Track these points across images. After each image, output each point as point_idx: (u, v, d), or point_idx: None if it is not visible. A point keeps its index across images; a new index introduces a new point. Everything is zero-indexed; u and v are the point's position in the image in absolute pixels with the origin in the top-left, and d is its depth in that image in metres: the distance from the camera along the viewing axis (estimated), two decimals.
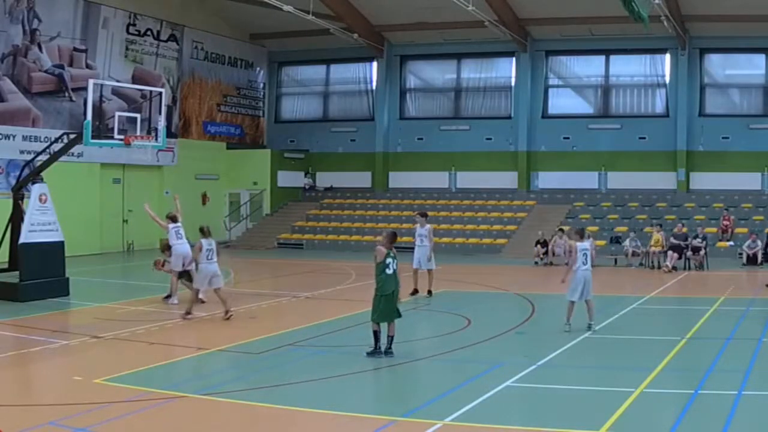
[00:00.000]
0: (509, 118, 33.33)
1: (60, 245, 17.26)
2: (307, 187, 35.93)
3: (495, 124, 33.39)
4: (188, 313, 14.41)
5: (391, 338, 11.34)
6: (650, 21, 24.38)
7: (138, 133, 18.00)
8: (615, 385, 9.62)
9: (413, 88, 35.60)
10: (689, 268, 23.04)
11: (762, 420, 8.25)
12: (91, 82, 17.36)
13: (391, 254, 11.39)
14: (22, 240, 16.74)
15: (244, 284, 20.58)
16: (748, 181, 29.65)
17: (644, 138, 31.28)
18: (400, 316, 11.49)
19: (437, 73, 35.58)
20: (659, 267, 23.15)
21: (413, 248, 17.56)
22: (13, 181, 19.90)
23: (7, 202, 18.60)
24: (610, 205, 30.38)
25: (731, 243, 25.45)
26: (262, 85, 36.76)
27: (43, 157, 17.87)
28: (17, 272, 16.82)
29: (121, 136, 17.37)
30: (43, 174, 17.35)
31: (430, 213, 31.53)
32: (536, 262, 25.08)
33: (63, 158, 18.38)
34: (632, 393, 9.07)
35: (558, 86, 33.66)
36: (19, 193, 17.83)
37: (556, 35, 31.97)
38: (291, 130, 36.85)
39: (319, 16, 29.62)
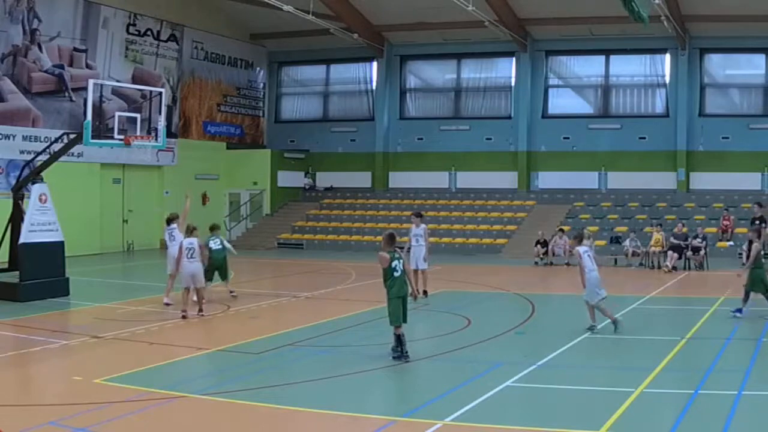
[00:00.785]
0: (509, 118, 33.34)
1: (60, 245, 17.26)
2: (307, 187, 35.93)
3: (495, 124, 33.39)
4: (200, 310, 14.70)
5: (399, 338, 11.30)
6: (650, 21, 24.38)
7: (138, 133, 17.99)
8: (615, 385, 9.62)
9: (413, 88, 35.61)
10: (689, 268, 23.03)
11: (762, 420, 8.25)
12: (91, 82, 17.35)
13: (396, 256, 11.32)
14: (22, 240, 16.74)
15: (244, 284, 20.58)
16: (748, 181, 29.64)
17: (644, 138, 31.28)
18: (405, 321, 11.40)
19: (437, 73, 35.59)
20: (659, 267, 23.14)
21: (409, 248, 17.42)
22: (13, 181, 19.89)
23: (7, 202, 18.59)
24: (610, 205, 30.38)
25: (731, 243, 25.45)
26: (262, 85, 36.76)
27: (43, 157, 17.87)
28: (17, 272, 16.82)
29: (121, 136, 17.36)
30: (43, 174, 17.35)
31: (430, 213, 31.74)
32: (536, 262, 25.08)
33: (63, 158, 18.38)
34: (632, 393, 9.07)
35: (558, 86, 33.67)
36: (19, 193, 17.83)
37: (556, 35, 31.97)
38: (291, 130, 36.86)
39: (319, 16, 29.63)
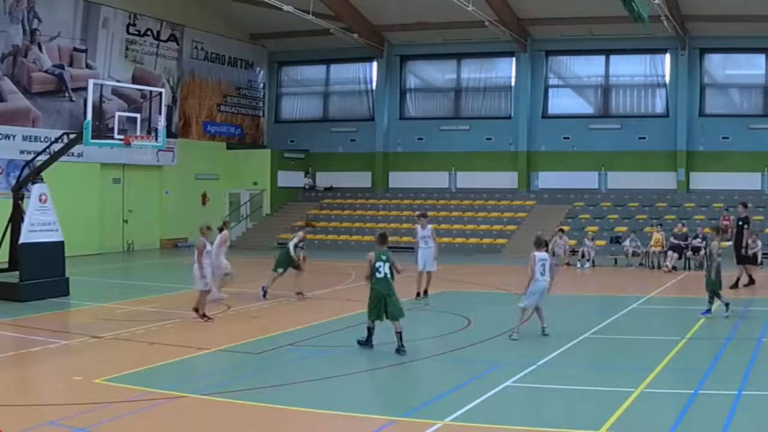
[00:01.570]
0: (509, 118, 33.34)
1: (60, 245, 17.25)
2: (307, 187, 35.93)
3: (495, 124, 33.39)
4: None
5: (399, 334, 11.54)
6: (650, 21, 24.37)
7: (138, 133, 17.99)
8: (615, 385, 9.62)
9: (413, 88, 35.61)
10: (689, 268, 23.03)
11: (762, 420, 8.25)
12: (91, 82, 17.35)
13: (383, 257, 11.67)
14: (22, 240, 16.74)
15: (244, 284, 20.57)
16: (748, 181, 29.65)
17: (644, 138, 31.28)
18: (403, 315, 11.73)
19: (437, 73, 35.59)
20: (659, 267, 23.14)
21: (411, 249, 17.42)
22: (13, 181, 19.88)
23: (7, 202, 18.59)
24: (610, 205, 30.38)
25: (731, 243, 25.39)
26: (262, 85, 36.76)
27: (43, 157, 17.86)
28: (17, 272, 16.81)
29: (121, 136, 17.36)
30: (43, 174, 17.35)
31: (430, 213, 31.64)
32: None
33: (63, 158, 18.36)
34: (632, 393, 9.07)
35: (558, 86, 33.67)
36: (19, 193, 17.82)
37: (556, 35, 31.97)
38: (291, 130, 36.85)
39: (319, 16, 29.63)
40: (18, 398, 9.30)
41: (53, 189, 17.49)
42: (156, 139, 18.27)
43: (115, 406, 8.72)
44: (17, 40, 25.59)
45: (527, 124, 32.64)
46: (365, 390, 10.00)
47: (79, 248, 24.18)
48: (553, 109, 33.22)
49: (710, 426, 8.01)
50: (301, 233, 17.70)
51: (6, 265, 17.55)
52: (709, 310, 14.32)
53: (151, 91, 19.72)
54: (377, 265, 11.64)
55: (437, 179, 33.99)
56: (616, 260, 24.65)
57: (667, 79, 31.45)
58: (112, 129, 17.52)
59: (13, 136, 25.32)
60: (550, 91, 33.42)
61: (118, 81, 26.77)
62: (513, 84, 33.47)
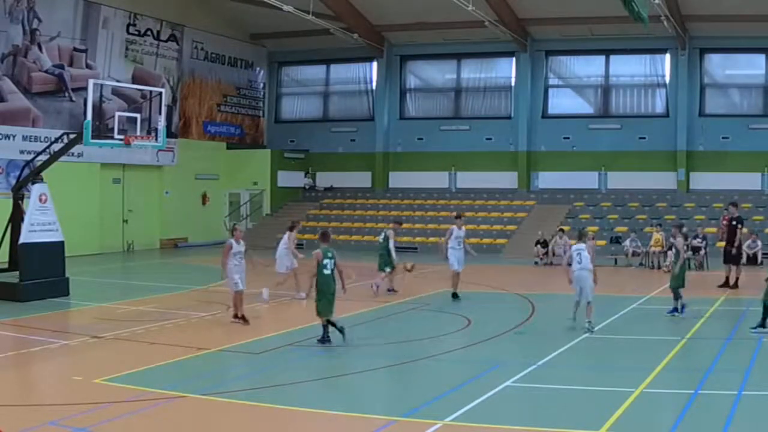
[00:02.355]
0: (509, 118, 33.33)
1: (60, 245, 17.25)
2: (307, 187, 35.93)
3: (495, 124, 33.39)
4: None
5: (326, 327, 12.09)
6: (650, 21, 24.36)
7: (138, 133, 17.99)
8: (615, 385, 9.62)
9: (413, 88, 35.61)
10: (689, 268, 22.99)
11: (762, 420, 8.25)
12: (91, 82, 17.34)
13: (329, 255, 12.08)
14: (22, 240, 16.74)
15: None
16: (748, 181, 29.64)
17: (644, 138, 31.28)
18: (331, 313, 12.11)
19: (437, 73, 35.58)
20: (659, 267, 23.14)
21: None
22: (13, 181, 19.88)
23: (7, 202, 18.59)
24: (610, 205, 30.38)
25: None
26: (262, 85, 36.75)
27: (43, 157, 17.86)
28: (17, 272, 16.81)
29: (121, 136, 17.36)
30: (43, 174, 17.34)
31: (429, 213, 31.80)
32: (536, 262, 25.09)
33: (63, 158, 18.36)
34: (632, 393, 9.07)
35: (558, 86, 33.67)
36: (19, 193, 17.82)
37: (556, 35, 31.97)
38: (291, 130, 36.85)
39: (319, 16, 29.62)
40: (18, 398, 9.31)
41: (53, 189, 17.49)
42: (156, 139, 18.27)
43: (115, 406, 8.72)
44: (17, 40, 25.59)
45: (527, 124, 32.63)
46: (365, 390, 9.99)
47: (79, 248, 24.17)
48: (553, 109, 33.22)
49: (710, 426, 8.01)
50: (391, 231, 18.29)
51: (6, 265, 17.55)
52: (675, 309, 14.40)
53: (151, 91, 19.72)
54: (324, 262, 11.99)
55: (437, 179, 33.98)
56: (616, 260, 24.64)
57: (667, 79, 31.44)
58: (112, 129, 17.51)
59: (13, 136, 25.32)
60: (550, 91, 33.42)
61: (118, 81, 26.77)
62: (513, 84, 33.47)
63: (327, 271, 12.04)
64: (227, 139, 34.91)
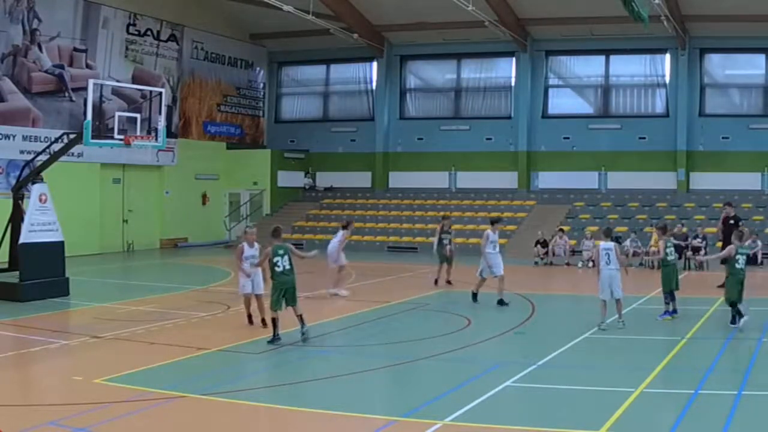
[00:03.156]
0: (509, 118, 33.33)
1: (60, 245, 17.25)
2: (307, 187, 35.93)
3: (495, 124, 33.38)
4: None
5: (300, 317, 12.28)
6: (650, 21, 24.36)
7: (138, 133, 17.99)
8: (615, 385, 9.62)
9: (413, 88, 35.60)
10: (689, 268, 23.03)
11: (762, 420, 8.25)
12: (91, 82, 17.33)
13: (280, 252, 12.11)
14: (22, 240, 16.74)
15: None
16: (748, 181, 29.63)
17: (644, 138, 31.28)
18: (296, 303, 12.26)
19: (437, 73, 35.58)
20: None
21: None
22: (13, 181, 19.88)
23: (7, 202, 18.59)
24: (610, 205, 30.37)
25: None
26: (262, 85, 36.75)
27: (43, 157, 17.86)
28: (17, 272, 16.81)
29: (121, 136, 17.36)
30: (43, 174, 17.35)
31: (429, 213, 31.78)
32: (536, 262, 25.08)
33: (63, 158, 18.37)
34: (632, 393, 9.07)
35: (558, 86, 33.66)
36: (19, 193, 17.82)
37: (556, 35, 31.97)
38: (291, 130, 36.85)
39: (319, 16, 29.62)
40: (18, 398, 9.31)
41: (53, 189, 17.49)
42: (156, 139, 18.27)
43: (115, 406, 8.72)
44: (17, 40, 25.59)
45: (527, 124, 32.63)
46: (365, 390, 9.99)
47: (79, 248, 24.18)
48: (553, 109, 33.21)
49: (710, 426, 8.01)
50: (438, 228, 20.13)
51: (6, 265, 17.55)
52: (667, 312, 14.26)
53: (151, 91, 19.73)
54: (275, 260, 12.03)
55: (437, 179, 33.98)
56: None
57: (667, 79, 31.44)
58: (112, 129, 17.51)
59: (13, 136, 25.32)
60: (550, 91, 33.41)
61: (118, 81, 26.76)
62: (513, 84, 33.46)
63: (279, 269, 12.04)
64: (227, 139, 34.91)
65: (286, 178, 35.18)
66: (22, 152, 24.86)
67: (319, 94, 37.18)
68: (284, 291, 12.02)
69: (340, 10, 31.46)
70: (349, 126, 35.72)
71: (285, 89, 37.83)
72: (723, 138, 30.25)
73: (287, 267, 12.10)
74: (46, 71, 26.50)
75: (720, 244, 20.36)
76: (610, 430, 7.82)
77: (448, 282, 19.76)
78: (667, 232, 15.39)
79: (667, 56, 31.33)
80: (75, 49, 27.47)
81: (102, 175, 28.56)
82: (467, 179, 33.57)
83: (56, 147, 17.87)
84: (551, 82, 33.45)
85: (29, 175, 17.64)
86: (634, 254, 24.21)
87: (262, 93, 36.76)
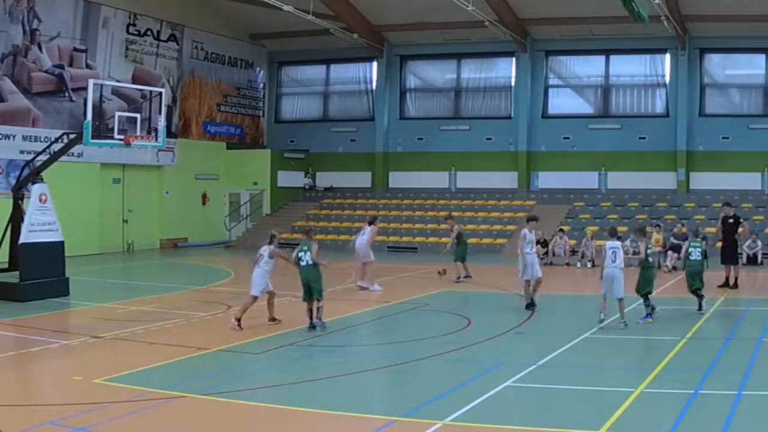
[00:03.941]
0: (509, 118, 33.33)
1: (60, 245, 17.25)
2: (307, 187, 35.93)
3: (495, 124, 33.39)
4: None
5: (318, 309, 13.40)
6: (650, 21, 24.37)
7: (138, 133, 18.00)
8: (615, 385, 9.62)
9: (413, 88, 35.61)
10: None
11: (762, 420, 8.25)
12: (91, 82, 17.34)
13: (304, 248, 13.43)
14: (22, 240, 16.73)
15: (244, 284, 20.56)
16: (748, 181, 29.64)
17: (644, 138, 31.28)
18: (321, 297, 13.40)
19: (437, 73, 35.58)
20: (659, 267, 23.12)
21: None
22: (13, 181, 19.88)
23: (7, 202, 18.58)
24: (610, 205, 30.37)
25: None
26: (262, 85, 36.76)
27: (43, 157, 17.86)
28: (17, 272, 16.81)
29: (121, 136, 17.36)
30: (43, 174, 17.34)
31: (429, 213, 31.78)
32: None
33: (63, 158, 18.37)
34: (632, 393, 9.07)
35: (558, 86, 33.67)
36: (19, 193, 17.81)
37: (556, 35, 31.97)
38: (291, 130, 36.85)
39: (319, 16, 29.62)
40: (18, 398, 9.31)
41: (53, 189, 17.49)
42: (156, 139, 18.27)
43: (115, 406, 8.72)
44: (17, 40, 25.59)
45: (527, 124, 32.63)
46: (365, 390, 9.99)
47: (79, 248, 24.18)
48: (553, 109, 33.22)
49: (710, 426, 8.01)
50: (456, 226, 20.85)
51: (6, 265, 17.55)
52: (649, 315, 14.06)
53: (151, 91, 19.74)
54: (300, 255, 13.37)
55: (437, 179, 33.99)
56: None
57: (667, 79, 31.45)
58: (112, 129, 17.52)
59: (13, 136, 25.32)
60: (550, 91, 33.42)
61: (118, 81, 26.77)
62: (513, 84, 33.47)
63: (302, 263, 13.37)
64: (227, 139, 34.91)
65: (286, 178, 35.17)
66: (22, 152, 24.86)
67: (319, 94, 37.18)
68: (308, 284, 13.27)
69: (340, 10, 31.46)
70: (349, 126, 35.72)
71: (285, 89, 37.83)
72: (723, 138, 30.26)
73: (308, 262, 13.31)
74: (46, 71, 26.50)
75: (720, 244, 20.34)
76: (610, 430, 7.81)
77: (459, 278, 20.48)
78: (646, 234, 15.33)
79: (667, 56, 31.34)
80: (75, 49, 27.46)
81: (102, 175, 28.56)
82: (467, 179, 33.57)
83: (56, 147, 17.87)
84: (551, 82, 33.45)
85: (29, 175, 17.64)
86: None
87: (262, 93, 36.76)
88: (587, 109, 33.10)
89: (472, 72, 34.35)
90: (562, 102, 33.42)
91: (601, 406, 8.71)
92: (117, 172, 29.50)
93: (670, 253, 23.07)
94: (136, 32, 29.87)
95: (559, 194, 31.69)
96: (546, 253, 25.22)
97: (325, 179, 35.96)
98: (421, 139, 34.39)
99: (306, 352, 11.88)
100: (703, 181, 30.49)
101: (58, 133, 19.95)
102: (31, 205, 16.90)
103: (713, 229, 26.09)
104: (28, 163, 19.09)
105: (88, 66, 27.86)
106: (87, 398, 8.97)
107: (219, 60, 34.08)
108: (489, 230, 29.80)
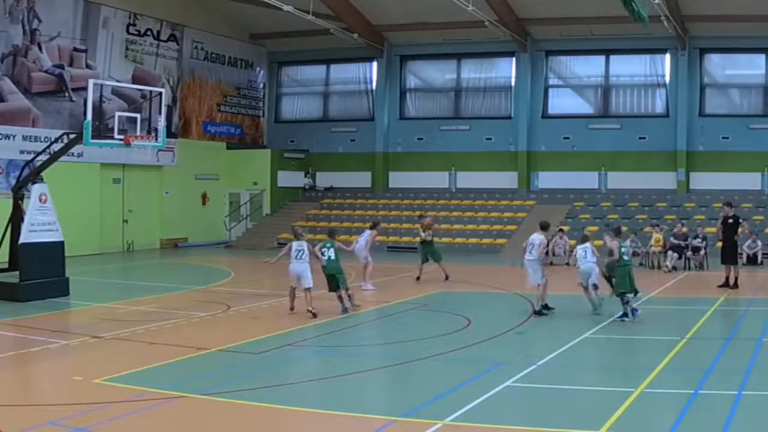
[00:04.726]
0: (509, 118, 33.34)
1: (60, 245, 17.24)
2: (307, 187, 35.93)
3: (495, 124, 33.39)
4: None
5: (348, 296, 15.19)
6: (650, 21, 24.36)
7: (138, 133, 17.99)
8: (615, 385, 9.62)
9: (413, 88, 35.61)
10: (689, 268, 23.04)
11: (762, 420, 8.25)
12: (91, 82, 17.33)
13: (327, 245, 15.26)
14: (22, 240, 16.73)
15: (244, 284, 20.61)
16: (748, 181, 29.64)
17: (644, 138, 31.28)
18: (347, 287, 15.26)
19: (437, 73, 35.58)
20: (659, 267, 23.13)
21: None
22: (13, 181, 19.88)
23: (7, 202, 18.58)
24: (610, 205, 30.37)
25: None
26: (262, 85, 36.76)
27: (43, 157, 17.86)
28: (17, 272, 16.81)
29: (121, 136, 17.35)
30: (43, 174, 17.34)
31: (429, 213, 31.72)
32: None
33: (63, 158, 18.36)
34: (632, 393, 9.07)
35: (558, 86, 33.67)
36: (19, 193, 17.81)
37: (556, 35, 31.97)
38: (291, 130, 36.86)
39: (319, 16, 29.63)
40: (18, 398, 9.31)
41: (53, 189, 17.48)
42: (156, 139, 18.26)
43: (115, 406, 8.72)
44: (17, 40, 25.59)
45: (527, 124, 32.64)
46: (365, 390, 9.99)
47: (79, 248, 24.18)
48: (553, 109, 33.22)
49: (710, 426, 8.01)
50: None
51: (6, 265, 17.55)
52: (624, 314, 13.86)
53: (151, 91, 19.73)
54: (323, 250, 15.06)
55: (437, 179, 33.99)
56: None
57: (667, 79, 31.45)
58: (112, 129, 17.50)
59: (13, 136, 25.32)
60: (550, 91, 33.42)
61: (118, 81, 26.76)
62: (513, 84, 33.47)
63: (325, 257, 15.04)
64: (227, 139, 34.91)
65: (286, 178, 35.17)
66: (22, 152, 24.86)
67: (319, 94, 37.18)
68: (333, 276, 14.98)
69: (340, 10, 31.47)
70: (349, 126, 35.72)
71: (285, 89, 37.83)
72: (723, 138, 30.26)
73: (332, 257, 15.03)
74: (46, 71, 26.50)
75: (720, 244, 20.33)
76: (610, 430, 7.81)
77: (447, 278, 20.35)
78: (621, 233, 15.06)
79: (667, 56, 31.34)
80: (75, 49, 27.46)
81: (102, 175, 28.56)
82: (467, 179, 33.57)
83: (56, 147, 17.86)
84: (551, 82, 33.45)
85: (29, 175, 17.63)
86: (634, 254, 24.18)
87: (262, 93, 36.76)
88: (587, 109, 33.10)
89: (472, 72, 34.35)
90: (562, 102, 33.41)
91: (601, 406, 8.71)
92: (117, 172, 29.50)
93: (670, 253, 23.07)
94: (136, 32, 29.87)
95: (559, 194, 31.69)
96: (546, 253, 25.18)
97: (325, 179, 35.96)
98: (421, 139, 34.39)
99: (306, 352, 11.88)
100: (703, 181, 30.49)
101: (58, 133, 19.95)
102: (31, 205, 16.89)
103: (713, 229, 26.12)
104: (28, 163, 19.08)
105: (88, 66, 27.86)
106: (87, 398, 8.96)
107: (219, 60, 34.08)
108: (489, 230, 29.80)
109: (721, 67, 31.49)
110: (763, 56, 30.24)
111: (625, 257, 14.27)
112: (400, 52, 34.90)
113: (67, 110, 27.05)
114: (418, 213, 26.30)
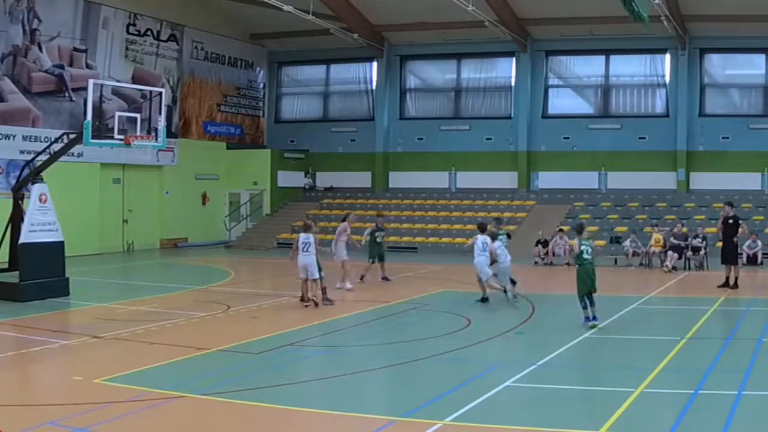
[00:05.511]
0: (509, 118, 33.34)
1: (60, 245, 17.24)
2: (307, 187, 35.93)
3: (495, 124, 33.39)
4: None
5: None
6: (650, 21, 24.37)
7: (138, 133, 17.99)
8: (615, 385, 9.62)
9: (413, 88, 35.61)
10: (689, 268, 23.04)
11: (762, 420, 8.24)
12: (91, 82, 17.32)
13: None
14: (22, 240, 16.73)
15: (244, 284, 20.60)
16: (748, 181, 29.64)
17: (644, 138, 31.29)
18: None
19: (437, 73, 35.59)
20: (652, 265, 23.15)
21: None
22: (13, 181, 19.88)
23: (7, 202, 18.59)
24: (610, 205, 30.38)
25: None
26: (262, 85, 36.76)
27: (43, 157, 17.86)
28: (17, 272, 16.81)
29: (121, 136, 17.36)
30: (43, 174, 17.35)
31: (429, 213, 31.81)
32: (536, 262, 25.07)
33: (63, 158, 18.37)
34: (632, 393, 9.07)
35: (558, 86, 33.67)
36: (19, 193, 17.82)
37: (556, 35, 31.98)
38: (291, 130, 36.86)
39: (319, 16, 29.63)
40: (18, 398, 9.30)
41: (53, 189, 17.48)
42: (156, 139, 18.27)
43: (115, 406, 8.72)
44: (17, 40, 25.59)
45: (527, 124, 32.64)
46: (365, 390, 9.99)
47: (79, 248, 24.18)
48: (553, 109, 33.22)
49: (710, 426, 8.01)
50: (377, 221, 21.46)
51: (6, 265, 17.55)
52: (587, 318, 13.21)
53: (151, 91, 19.73)
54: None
55: (437, 179, 33.99)
56: (616, 260, 24.64)
57: (667, 79, 31.45)
58: (112, 129, 17.50)
59: (13, 136, 25.32)
60: (550, 91, 33.42)
61: (118, 81, 26.76)
62: (513, 84, 33.47)
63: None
64: (227, 139, 34.91)
65: (286, 178, 35.18)
66: (22, 152, 24.86)
67: (319, 94, 37.18)
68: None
69: (340, 10, 31.47)
70: (349, 126, 35.73)
71: (285, 89, 37.84)
72: (723, 138, 30.26)
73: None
74: (46, 71, 26.50)
75: (720, 244, 20.33)
76: (610, 430, 7.81)
77: (385, 278, 20.30)
78: (583, 231, 13.49)
79: (667, 56, 31.34)
80: (75, 49, 27.46)
81: (102, 175, 28.56)
82: (467, 179, 33.58)
83: (56, 147, 17.86)
84: (551, 82, 33.45)
85: (29, 175, 17.64)
86: (634, 254, 24.21)
87: (262, 93, 36.77)
88: (587, 109, 33.10)
89: (472, 72, 34.35)
90: (562, 102, 33.42)
91: (601, 406, 8.72)
92: (117, 172, 29.50)
93: (670, 253, 23.08)
94: (136, 32, 29.87)
95: (559, 194, 31.69)
96: (546, 253, 25.24)
97: (325, 179, 35.97)
98: (421, 139, 34.39)
99: (306, 352, 11.88)
100: (703, 181, 30.49)
101: (58, 133, 19.95)
102: (31, 205, 16.89)
103: (713, 229, 26.13)
104: (28, 163, 19.09)
105: (88, 66, 27.86)
106: (87, 398, 8.96)
107: (219, 60, 34.09)
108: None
109: (721, 67, 31.49)
110: (763, 56, 30.24)
111: (585, 255, 13.22)
112: (400, 52, 34.90)
113: (67, 110, 27.05)
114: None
